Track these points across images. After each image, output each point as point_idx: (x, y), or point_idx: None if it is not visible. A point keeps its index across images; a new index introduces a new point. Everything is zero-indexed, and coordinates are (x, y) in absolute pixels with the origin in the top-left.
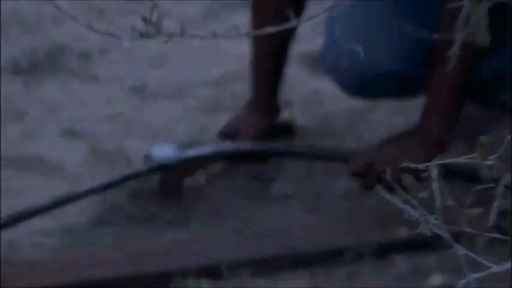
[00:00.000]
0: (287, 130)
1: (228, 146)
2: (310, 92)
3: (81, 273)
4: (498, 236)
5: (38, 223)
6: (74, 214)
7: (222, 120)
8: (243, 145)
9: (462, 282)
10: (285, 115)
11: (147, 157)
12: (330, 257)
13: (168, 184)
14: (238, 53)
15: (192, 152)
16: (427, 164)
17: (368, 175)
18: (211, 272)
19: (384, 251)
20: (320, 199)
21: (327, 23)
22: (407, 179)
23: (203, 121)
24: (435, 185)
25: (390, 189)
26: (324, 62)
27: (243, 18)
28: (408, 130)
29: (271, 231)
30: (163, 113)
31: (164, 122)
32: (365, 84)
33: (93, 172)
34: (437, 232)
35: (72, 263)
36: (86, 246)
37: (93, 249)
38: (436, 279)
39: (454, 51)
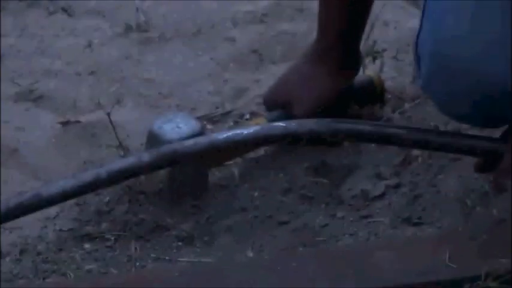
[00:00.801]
0: (370, 95)
1: (289, 124)
2: (407, 37)
3: None
4: None
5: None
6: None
7: (260, 78)
8: (315, 123)
9: None
10: (368, 72)
11: (152, 137)
12: None
13: (182, 181)
14: None
15: (230, 134)
16: None
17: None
18: None
19: None
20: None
21: None
22: None
23: (226, 79)
24: None
25: None
26: (423, 72)
27: None
28: None
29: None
30: (168, 66)
31: (171, 80)
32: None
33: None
34: None
35: None
36: (62, 270)
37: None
38: None
39: None
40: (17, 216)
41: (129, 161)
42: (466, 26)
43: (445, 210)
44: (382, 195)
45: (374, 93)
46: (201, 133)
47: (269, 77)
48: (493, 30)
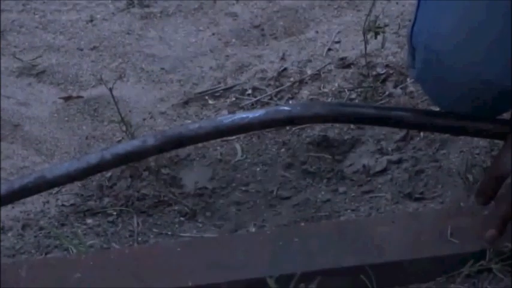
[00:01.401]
0: None
1: (294, 108)
2: (409, 12)
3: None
4: None
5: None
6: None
7: (262, 54)
8: (321, 107)
9: None
10: None
11: None
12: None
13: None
14: None
15: (236, 118)
16: None
17: None
18: None
19: None
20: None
21: None
22: None
23: (228, 54)
24: None
25: None
26: (417, 64)
27: None
28: None
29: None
30: (170, 42)
31: (173, 55)
32: (481, 108)
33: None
34: None
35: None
36: (65, 245)
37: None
38: None
39: None
40: (20, 198)
41: (134, 143)
42: (462, 22)
43: (447, 185)
44: (384, 171)
45: None
46: None
47: (271, 52)
48: (490, 28)
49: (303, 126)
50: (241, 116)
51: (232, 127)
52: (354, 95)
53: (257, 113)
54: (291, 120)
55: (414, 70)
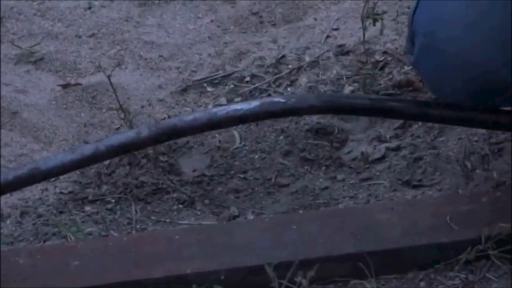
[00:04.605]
0: None
1: (289, 100)
2: None
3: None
4: None
5: None
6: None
7: (261, 41)
8: (316, 99)
9: None
10: None
11: None
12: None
13: None
14: None
15: (230, 109)
16: None
17: None
18: None
19: None
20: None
21: None
22: None
23: (227, 41)
24: None
25: None
26: (415, 49)
27: None
28: None
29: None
30: (169, 29)
31: (171, 42)
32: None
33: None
34: None
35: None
36: (63, 232)
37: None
38: None
39: None
40: (15, 189)
41: (129, 135)
42: (464, 10)
43: (445, 172)
44: (382, 158)
45: None
46: None
47: (269, 39)
48: (491, 17)
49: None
50: (236, 107)
51: (226, 119)
52: (352, 82)
53: (251, 105)
54: (285, 112)
55: (412, 56)
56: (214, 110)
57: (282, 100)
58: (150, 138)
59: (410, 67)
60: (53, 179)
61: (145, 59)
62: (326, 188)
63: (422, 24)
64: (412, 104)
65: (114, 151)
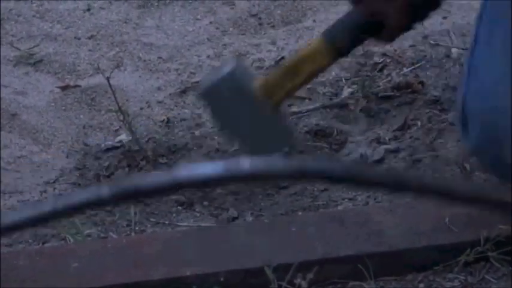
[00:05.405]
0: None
1: (255, 165)
2: None
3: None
4: None
5: None
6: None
7: (260, 42)
8: (285, 165)
9: None
10: None
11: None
12: None
13: None
14: None
15: (193, 173)
16: None
17: None
18: None
19: None
20: None
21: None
22: None
23: (226, 43)
24: None
25: None
26: (472, 137)
27: None
28: None
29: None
30: (168, 30)
31: (170, 44)
32: None
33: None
34: None
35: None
36: (62, 234)
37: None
38: None
39: None
40: None
41: (88, 194)
42: None
43: (444, 174)
44: (381, 160)
45: None
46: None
47: (268, 41)
48: None
49: (301, 115)
50: (199, 171)
51: (189, 183)
52: (351, 84)
53: (216, 168)
54: (252, 178)
55: (468, 141)
56: (177, 172)
57: (249, 165)
58: (110, 199)
59: (409, 69)
60: (52, 180)
61: (144, 60)
62: (325, 189)
63: (477, 111)
64: (391, 176)
65: (73, 210)
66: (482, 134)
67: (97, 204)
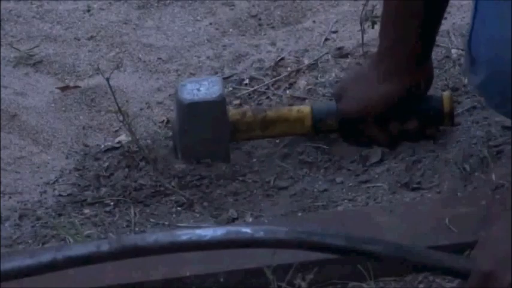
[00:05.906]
0: (436, 116)
1: (256, 232)
2: None
3: None
4: None
5: None
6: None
7: (259, 43)
8: (285, 234)
9: None
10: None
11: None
12: None
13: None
14: None
15: (194, 236)
16: None
17: None
18: None
19: None
20: None
21: None
22: None
23: (226, 44)
24: None
25: None
26: (480, 76)
27: None
28: None
29: None
30: (167, 31)
31: (170, 45)
32: None
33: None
34: None
35: None
36: (62, 235)
37: (75, 240)
38: None
39: None
40: None
41: (88, 248)
42: None
43: (444, 175)
44: (381, 161)
45: (440, 114)
46: (216, 102)
47: (268, 42)
48: None
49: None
50: (200, 233)
51: (189, 244)
52: None
53: (217, 233)
54: (251, 244)
55: (474, 77)
56: (179, 233)
57: (249, 231)
58: (109, 254)
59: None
60: (52, 181)
61: (144, 61)
62: (325, 190)
63: (483, 50)
64: (390, 247)
65: (72, 262)
66: (489, 72)
67: (96, 258)
